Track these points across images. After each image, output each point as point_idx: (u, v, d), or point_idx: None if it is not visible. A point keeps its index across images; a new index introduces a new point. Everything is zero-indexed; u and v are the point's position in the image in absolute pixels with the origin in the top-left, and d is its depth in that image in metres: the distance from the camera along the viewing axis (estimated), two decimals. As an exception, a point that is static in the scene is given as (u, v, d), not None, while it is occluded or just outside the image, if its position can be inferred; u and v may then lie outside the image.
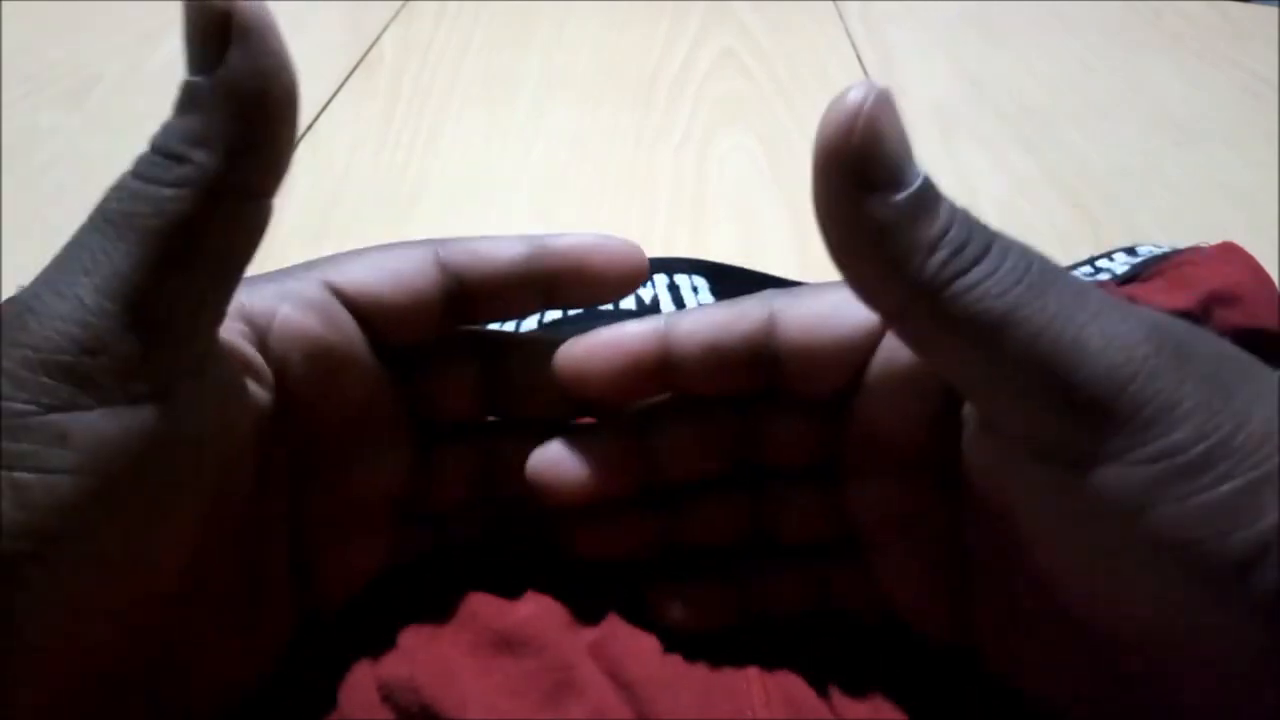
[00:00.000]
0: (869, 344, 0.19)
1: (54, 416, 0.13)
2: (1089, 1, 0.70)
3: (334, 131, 0.50)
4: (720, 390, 0.20)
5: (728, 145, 0.50)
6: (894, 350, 0.18)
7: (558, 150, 0.49)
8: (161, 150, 0.14)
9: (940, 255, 0.14)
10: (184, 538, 0.16)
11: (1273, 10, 0.68)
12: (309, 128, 0.51)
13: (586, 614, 0.22)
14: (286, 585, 0.20)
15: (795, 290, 0.19)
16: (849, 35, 0.64)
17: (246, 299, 0.18)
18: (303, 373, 0.18)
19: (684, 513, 0.21)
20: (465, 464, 0.21)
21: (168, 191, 0.14)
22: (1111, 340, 0.14)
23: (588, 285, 0.20)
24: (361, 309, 0.19)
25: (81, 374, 0.14)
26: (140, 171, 0.14)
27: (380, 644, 0.21)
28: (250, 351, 0.18)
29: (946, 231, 0.14)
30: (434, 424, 0.21)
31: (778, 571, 0.21)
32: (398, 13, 0.66)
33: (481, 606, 0.22)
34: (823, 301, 0.19)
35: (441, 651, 0.21)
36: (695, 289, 0.30)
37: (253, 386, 0.18)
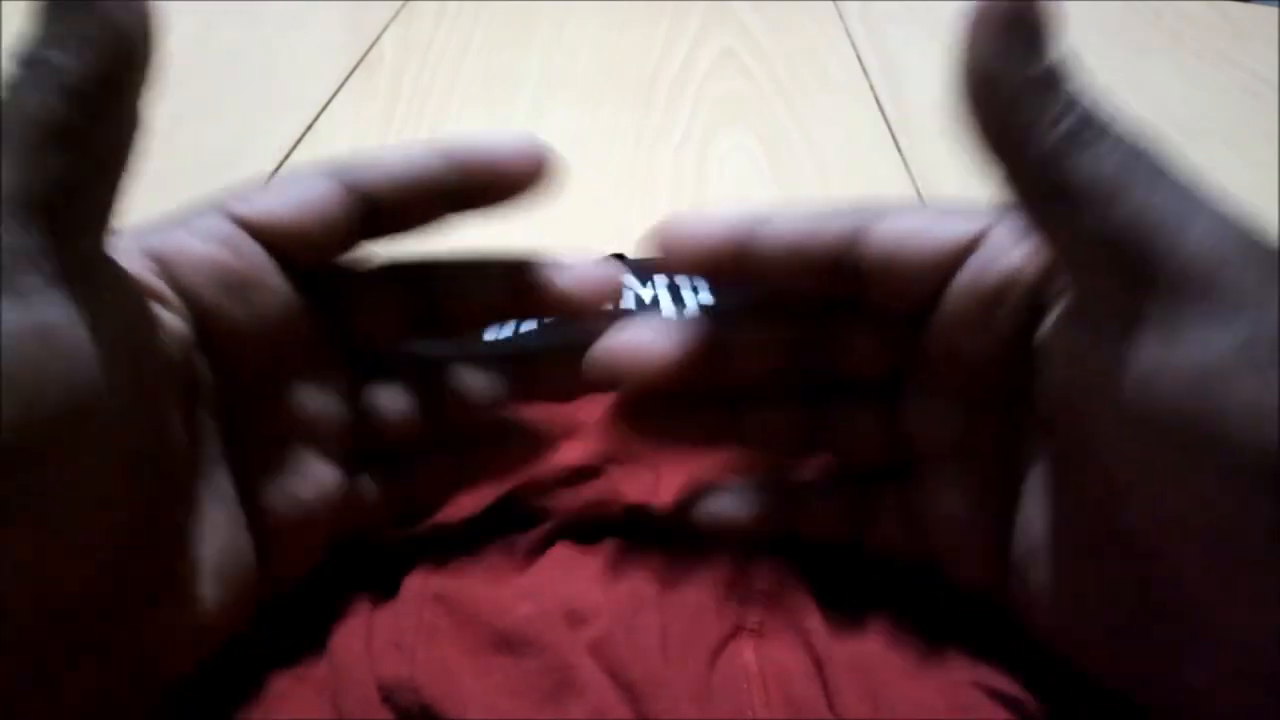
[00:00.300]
0: (954, 262, 0.19)
1: None
2: (1089, 1, 0.70)
3: (334, 131, 0.50)
4: (800, 290, 0.20)
5: (728, 145, 0.50)
6: (978, 271, 0.19)
7: (558, 150, 0.49)
8: (21, 61, 0.15)
9: (1065, 125, 0.15)
10: (99, 441, 0.16)
11: (1273, 10, 0.68)
12: (309, 128, 0.51)
13: (586, 611, 0.22)
14: (244, 529, 0.20)
15: (887, 206, 0.20)
16: (849, 35, 0.64)
17: (152, 239, 0.19)
18: (214, 302, 0.19)
19: (743, 415, 0.22)
20: (405, 395, 0.22)
21: (28, 96, 0.14)
22: (1214, 227, 0.14)
23: (493, 184, 0.20)
24: (267, 236, 0.19)
25: None
26: (4, 85, 0.15)
27: (378, 597, 0.21)
28: (159, 284, 0.18)
29: (1074, 106, 0.15)
30: (368, 358, 0.22)
31: (825, 491, 0.22)
32: (398, 13, 0.66)
33: (481, 605, 0.22)
34: (913, 219, 0.19)
35: (441, 651, 0.21)
36: (695, 289, 0.30)
37: (165, 315, 0.18)
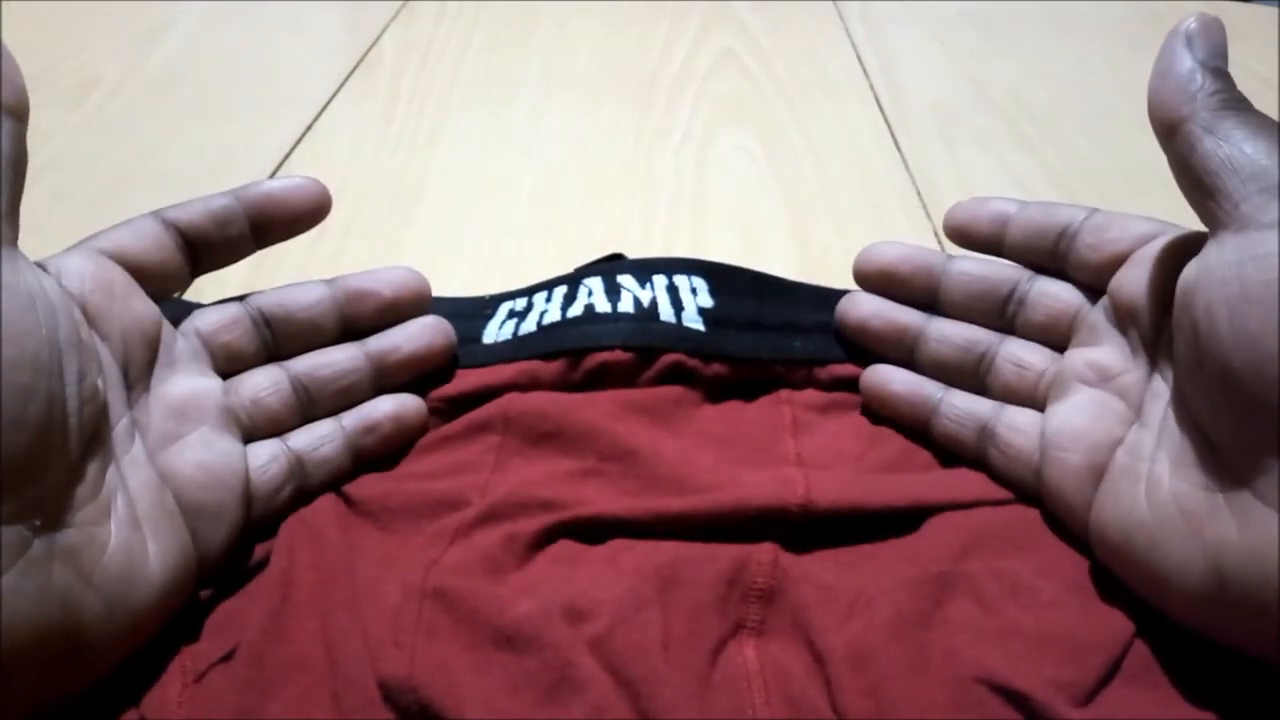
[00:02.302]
0: (1139, 244, 0.25)
1: None
2: (1089, 1, 0.70)
3: (334, 131, 0.51)
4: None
5: (728, 145, 0.50)
6: (1151, 251, 0.24)
7: (558, 150, 0.49)
8: None
9: (1219, 97, 0.22)
10: (36, 383, 0.19)
11: (1273, 10, 0.68)
12: (309, 128, 0.51)
13: (586, 609, 0.22)
14: (165, 490, 0.23)
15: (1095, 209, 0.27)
16: (849, 35, 0.64)
17: (45, 261, 0.23)
18: (98, 300, 0.23)
19: (930, 327, 0.28)
20: (270, 379, 0.26)
21: None
22: None
23: (283, 221, 0.26)
24: (120, 259, 0.24)
25: None
26: None
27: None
28: (54, 280, 0.22)
29: (1226, 88, 0.22)
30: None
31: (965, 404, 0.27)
32: (398, 13, 0.66)
33: (481, 602, 0.22)
34: (1109, 217, 0.26)
35: (440, 649, 0.21)
36: (694, 290, 0.30)
37: (67, 303, 0.21)
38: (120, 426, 0.22)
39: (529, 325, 0.30)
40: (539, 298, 0.31)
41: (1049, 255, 0.27)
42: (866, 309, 0.29)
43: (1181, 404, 0.22)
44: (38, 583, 0.19)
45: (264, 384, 0.26)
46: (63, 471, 0.20)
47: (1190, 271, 0.21)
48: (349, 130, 0.51)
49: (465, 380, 0.29)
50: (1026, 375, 0.27)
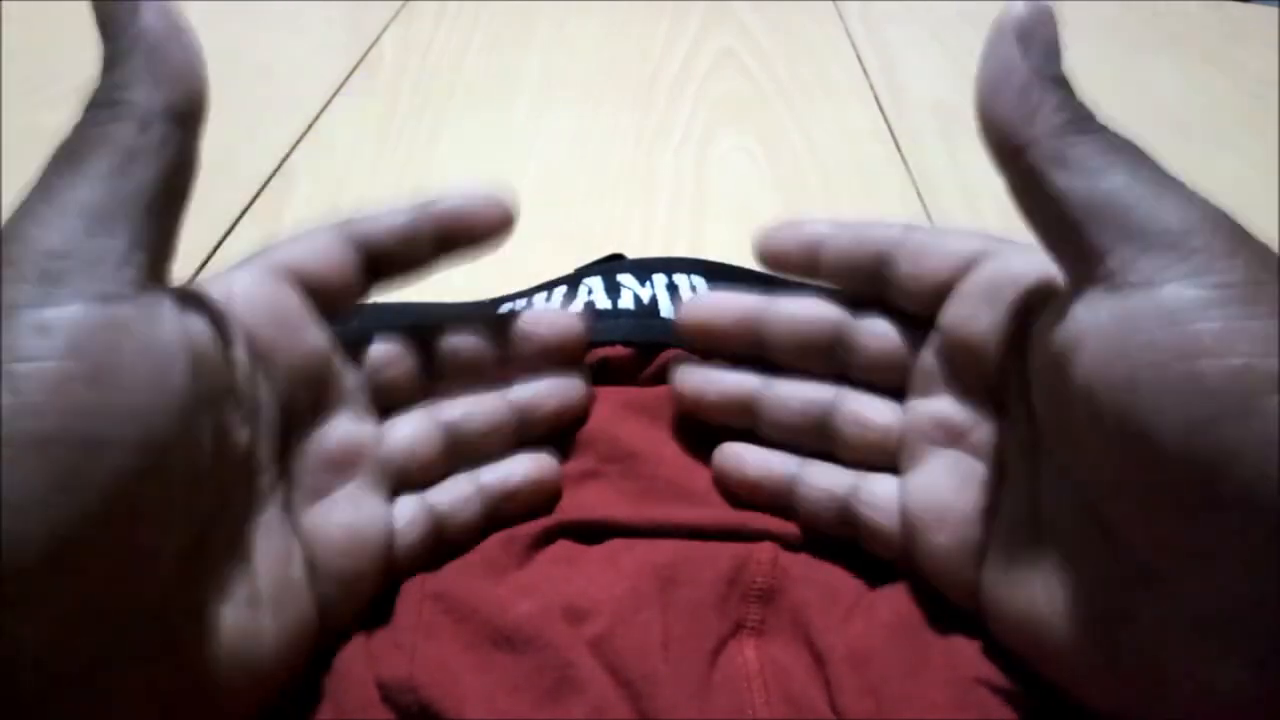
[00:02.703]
0: (965, 267, 0.22)
1: (34, 312, 0.15)
2: (1089, 1, 0.70)
3: (334, 131, 0.51)
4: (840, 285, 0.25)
5: (728, 145, 0.50)
6: (984, 275, 0.22)
7: (558, 150, 0.49)
8: (97, 102, 0.18)
9: (1066, 113, 0.18)
10: (173, 443, 0.17)
11: (1273, 10, 0.68)
12: (309, 128, 0.51)
13: (586, 609, 0.22)
14: (298, 562, 0.21)
15: (914, 225, 0.23)
16: (849, 35, 0.64)
17: (203, 286, 0.21)
18: (267, 333, 0.21)
19: (767, 391, 0.25)
20: (423, 430, 0.24)
21: (110, 126, 0.17)
22: (1188, 199, 0.17)
23: (468, 235, 0.24)
24: (297, 278, 0.22)
25: (55, 275, 0.16)
26: (83, 121, 0.18)
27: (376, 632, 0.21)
28: (219, 312, 0.20)
29: (1074, 102, 0.19)
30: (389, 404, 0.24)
31: (821, 477, 0.24)
32: (398, 13, 0.66)
33: (480, 603, 0.22)
34: (931, 235, 0.23)
35: (440, 649, 0.21)
36: (694, 288, 0.30)
37: (225, 343, 0.20)
38: (261, 482, 0.20)
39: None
40: (539, 298, 0.31)
41: (869, 283, 0.24)
42: (695, 381, 0.26)
43: (1060, 472, 0.19)
44: (138, 683, 0.17)
45: (417, 433, 0.24)
46: (169, 564, 0.17)
47: (1059, 336, 0.18)
48: (349, 130, 0.51)
49: None
50: (870, 436, 0.24)
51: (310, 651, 0.21)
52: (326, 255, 0.22)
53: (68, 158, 0.17)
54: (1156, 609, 0.17)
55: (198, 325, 0.18)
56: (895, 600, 0.22)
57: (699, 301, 0.26)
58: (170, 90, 0.18)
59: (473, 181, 0.24)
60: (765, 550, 0.24)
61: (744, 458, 0.25)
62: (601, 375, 0.28)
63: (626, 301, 0.30)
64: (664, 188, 0.46)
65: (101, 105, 0.18)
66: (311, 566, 0.21)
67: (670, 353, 0.28)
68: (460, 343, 0.25)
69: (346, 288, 0.23)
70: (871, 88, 0.57)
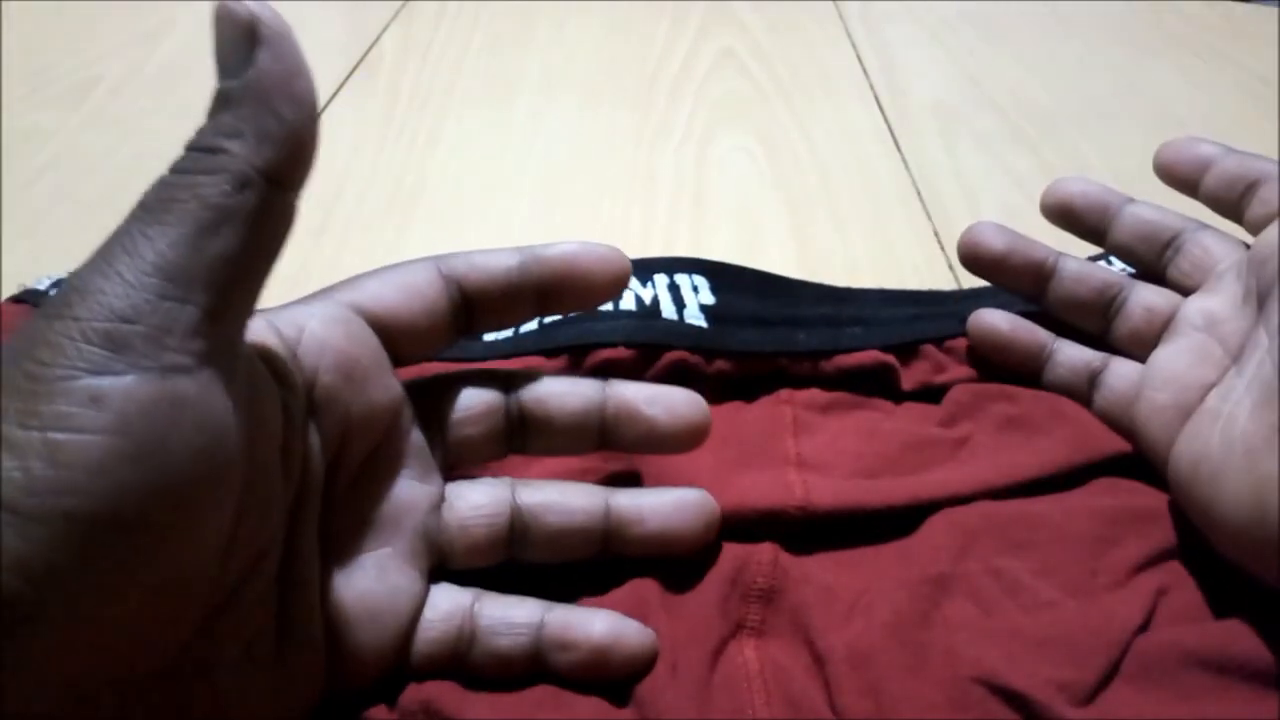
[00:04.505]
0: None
1: (89, 380, 0.14)
2: (1089, 1, 0.70)
3: (334, 131, 0.50)
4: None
5: (728, 145, 0.50)
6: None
7: (558, 150, 0.49)
8: (196, 146, 0.16)
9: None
10: (214, 522, 0.16)
11: (1273, 10, 0.68)
12: (309, 128, 0.51)
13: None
14: (318, 620, 0.19)
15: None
16: (849, 35, 0.64)
17: (275, 320, 0.19)
18: (330, 382, 0.19)
19: (1069, 271, 0.30)
20: (489, 505, 0.22)
21: (203, 178, 0.15)
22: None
23: (576, 291, 0.22)
24: (380, 321, 0.20)
25: (119, 340, 0.14)
26: (177, 166, 0.16)
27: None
28: (282, 360, 0.18)
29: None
30: (455, 464, 0.22)
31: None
32: (398, 13, 0.66)
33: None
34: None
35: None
36: (695, 288, 0.30)
37: (284, 393, 0.18)
38: (298, 543, 0.19)
39: (529, 323, 0.30)
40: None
41: (1233, 208, 0.27)
42: (1002, 241, 0.30)
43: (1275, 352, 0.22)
44: None
45: (483, 509, 0.21)
46: (188, 629, 0.16)
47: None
48: (349, 130, 0.50)
49: None
50: (1153, 321, 0.27)
51: (314, 706, 0.19)
52: (419, 297, 0.21)
53: (153, 208, 0.15)
54: None
55: (252, 394, 0.17)
56: (894, 601, 0.22)
57: (1066, 179, 0.30)
58: (275, 150, 0.16)
59: (583, 238, 0.22)
60: (765, 550, 0.24)
61: (1001, 319, 0.29)
62: (602, 376, 0.28)
63: (627, 302, 0.30)
64: (664, 188, 0.46)
65: (200, 150, 0.16)
66: (325, 629, 0.19)
67: (673, 355, 0.28)
68: (563, 414, 0.22)
69: (432, 334, 0.21)
70: (871, 88, 0.57)
